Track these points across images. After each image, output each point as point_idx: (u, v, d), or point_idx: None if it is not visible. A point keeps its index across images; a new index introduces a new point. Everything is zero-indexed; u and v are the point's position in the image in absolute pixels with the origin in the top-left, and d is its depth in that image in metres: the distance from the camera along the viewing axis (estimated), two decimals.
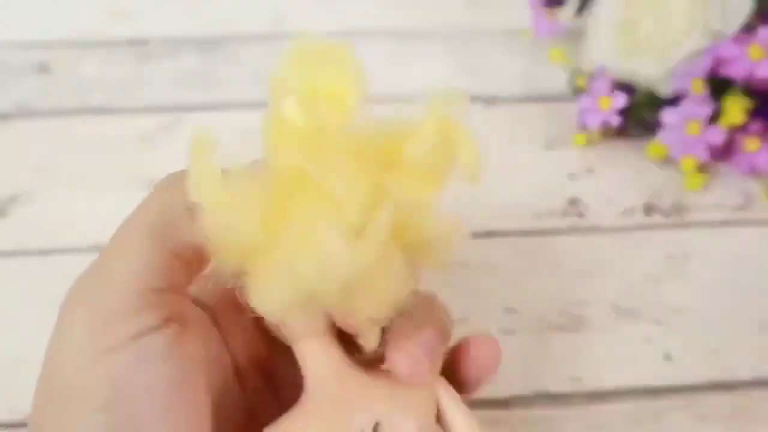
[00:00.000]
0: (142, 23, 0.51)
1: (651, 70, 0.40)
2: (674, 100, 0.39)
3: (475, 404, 0.34)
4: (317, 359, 0.23)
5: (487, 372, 0.25)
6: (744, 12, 0.37)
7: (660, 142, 0.40)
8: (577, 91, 0.43)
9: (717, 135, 0.39)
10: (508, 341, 0.35)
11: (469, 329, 0.36)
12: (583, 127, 0.43)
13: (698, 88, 0.38)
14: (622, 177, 0.42)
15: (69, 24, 0.50)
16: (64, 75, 0.48)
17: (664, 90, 0.40)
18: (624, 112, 0.41)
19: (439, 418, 0.24)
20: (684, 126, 0.38)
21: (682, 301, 0.36)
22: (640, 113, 0.41)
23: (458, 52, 0.50)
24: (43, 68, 0.48)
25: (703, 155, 0.39)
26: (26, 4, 0.51)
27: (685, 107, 0.38)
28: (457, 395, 0.25)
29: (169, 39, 0.50)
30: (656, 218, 0.40)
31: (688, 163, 0.40)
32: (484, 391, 0.34)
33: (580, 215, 0.40)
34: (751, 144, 0.39)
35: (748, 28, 0.38)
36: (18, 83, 0.47)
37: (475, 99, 0.46)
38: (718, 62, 0.38)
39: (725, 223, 0.40)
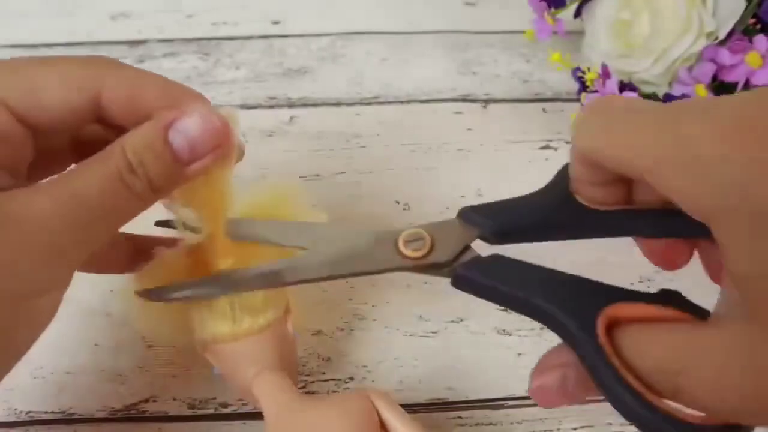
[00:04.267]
0: (141, 24, 0.51)
1: (647, 71, 0.40)
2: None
3: (470, 404, 0.34)
4: (268, 395, 0.27)
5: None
6: (737, 13, 0.38)
7: None
8: (586, 87, 0.43)
9: None
10: (505, 341, 0.36)
11: (467, 330, 0.36)
12: None
13: (702, 93, 0.38)
14: None
15: (69, 25, 0.50)
16: None
17: (660, 91, 0.40)
18: None
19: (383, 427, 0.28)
20: None
21: None
22: None
23: (457, 52, 0.50)
24: None
25: None
26: (26, 4, 0.52)
27: None
28: (397, 405, 0.28)
29: (168, 39, 0.50)
30: None
31: None
32: (481, 392, 0.34)
33: None
34: None
35: (745, 32, 0.38)
36: None
37: (473, 99, 0.47)
38: (718, 68, 0.38)
39: None
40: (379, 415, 0.27)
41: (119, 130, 0.25)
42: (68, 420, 0.33)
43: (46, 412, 0.33)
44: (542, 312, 0.24)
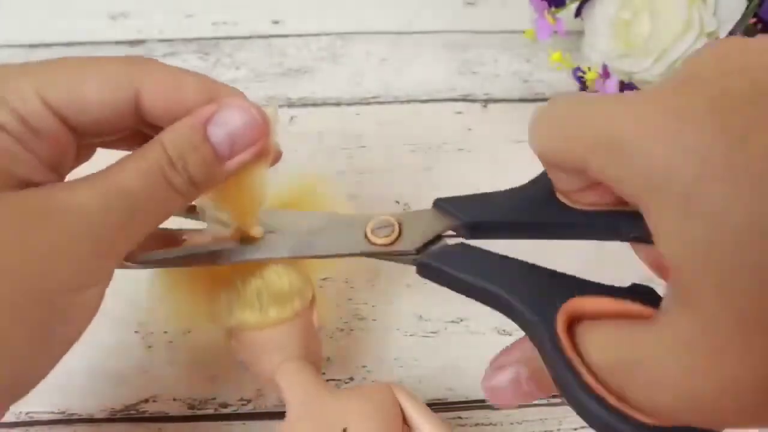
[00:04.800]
0: (141, 24, 0.51)
1: (647, 71, 0.40)
2: None
3: (470, 404, 0.34)
4: (293, 383, 0.28)
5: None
6: (737, 13, 0.38)
7: None
8: (586, 87, 0.43)
9: None
10: (505, 341, 0.36)
11: (467, 330, 0.36)
12: None
13: None
14: None
15: (69, 24, 0.50)
16: None
17: None
18: None
19: (407, 422, 0.27)
20: None
21: None
22: None
23: (457, 52, 0.50)
24: None
25: None
26: (26, 4, 0.52)
27: None
28: (420, 401, 0.28)
29: (168, 39, 0.50)
30: None
31: None
32: (481, 392, 0.34)
33: None
34: None
35: (745, 32, 0.38)
36: None
37: (473, 99, 0.47)
38: None
39: None
40: (401, 408, 0.27)
41: (159, 130, 0.25)
42: (68, 420, 0.33)
43: (46, 412, 0.33)
44: (504, 304, 0.23)
